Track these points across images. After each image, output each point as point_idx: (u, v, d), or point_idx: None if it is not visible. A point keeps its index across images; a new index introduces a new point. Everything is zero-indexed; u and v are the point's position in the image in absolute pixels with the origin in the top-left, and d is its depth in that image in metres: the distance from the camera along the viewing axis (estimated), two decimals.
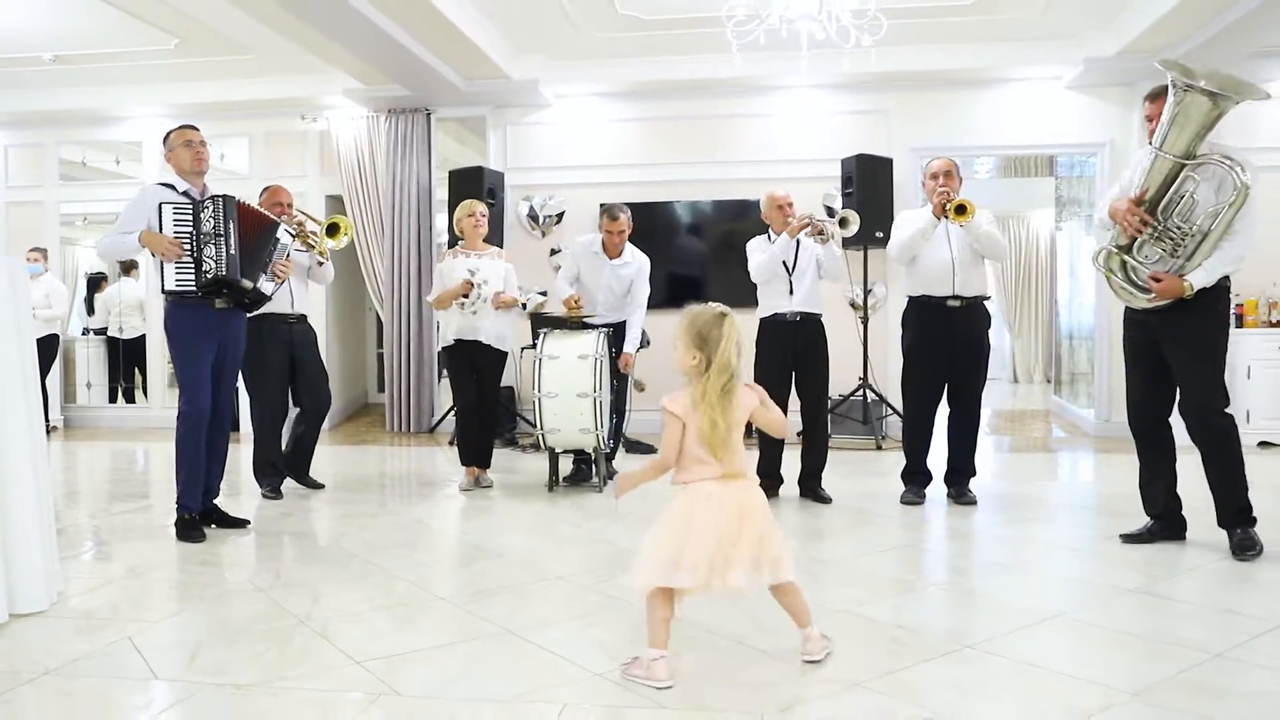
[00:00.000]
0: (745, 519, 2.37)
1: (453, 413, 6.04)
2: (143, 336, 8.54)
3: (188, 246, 3.92)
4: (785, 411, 4.94)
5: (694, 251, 7.87)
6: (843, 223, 4.87)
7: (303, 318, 5.09)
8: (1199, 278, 3.55)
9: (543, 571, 3.48)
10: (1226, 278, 3.63)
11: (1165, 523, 3.84)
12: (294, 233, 4.70)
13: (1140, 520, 3.90)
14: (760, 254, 4.94)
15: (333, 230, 4.93)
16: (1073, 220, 8.89)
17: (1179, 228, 3.58)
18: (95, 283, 8.86)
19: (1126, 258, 3.73)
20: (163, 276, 3.92)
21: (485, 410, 5.32)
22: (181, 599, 3.23)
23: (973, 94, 7.52)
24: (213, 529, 4.15)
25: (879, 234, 7.15)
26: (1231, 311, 3.98)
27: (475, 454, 5.29)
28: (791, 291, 4.91)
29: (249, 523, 4.30)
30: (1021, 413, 9.53)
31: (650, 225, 7.63)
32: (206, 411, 4.08)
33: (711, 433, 2.35)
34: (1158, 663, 2.48)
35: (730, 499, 2.38)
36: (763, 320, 5.01)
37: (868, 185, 7.09)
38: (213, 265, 3.91)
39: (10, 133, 8.59)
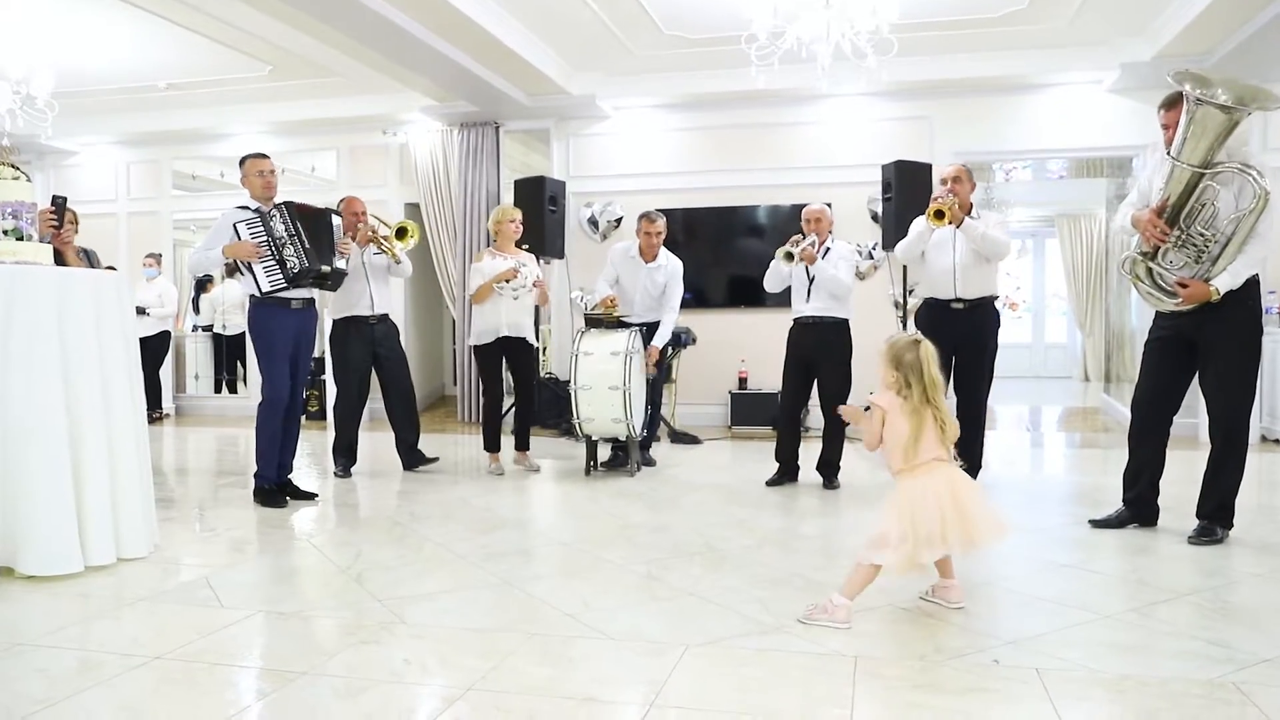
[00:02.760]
0: (954, 496, 2.84)
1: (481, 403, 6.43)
2: (243, 333, 9.45)
3: (267, 251, 4.61)
4: (799, 407, 5.43)
5: (747, 253, 8.30)
6: (789, 256, 5.23)
7: (384, 317, 5.68)
8: (1224, 281, 3.73)
9: (551, 539, 4.04)
10: (1257, 274, 3.81)
11: (1137, 509, 4.11)
12: (372, 234, 5.37)
13: (1172, 514, 4.14)
14: (777, 266, 5.39)
15: (401, 233, 5.62)
16: None
17: (1201, 234, 3.74)
18: (202, 284, 9.83)
19: (1152, 264, 3.92)
20: (256, 282, 4.62)
21: (528, 397, 5.90)
22: (250, 551, 3.90)
23: (1013, 99, 7.75)
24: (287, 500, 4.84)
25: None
26: (1264, 308, 4.10)
27: (499, 441, 5.84)
28: (808, 298, 5.33)
29: (317, 495, 4.97)
30: (1074, 410, 9.64)
31: (702, 229, 8.14)
32: (284, 399, 4.78)
33: (912, 435, 2.88)
34: (1052, 618, 2.87)
35: (937, 483, 2.85)
36: (795, 323, 5.44)
37: (906, 190, 7.39)
38: (296, 262, 4.62)
39: (131, 151, 9.64)
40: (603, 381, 5.52)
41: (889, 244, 7.70)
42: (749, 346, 8.06)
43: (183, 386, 9.71)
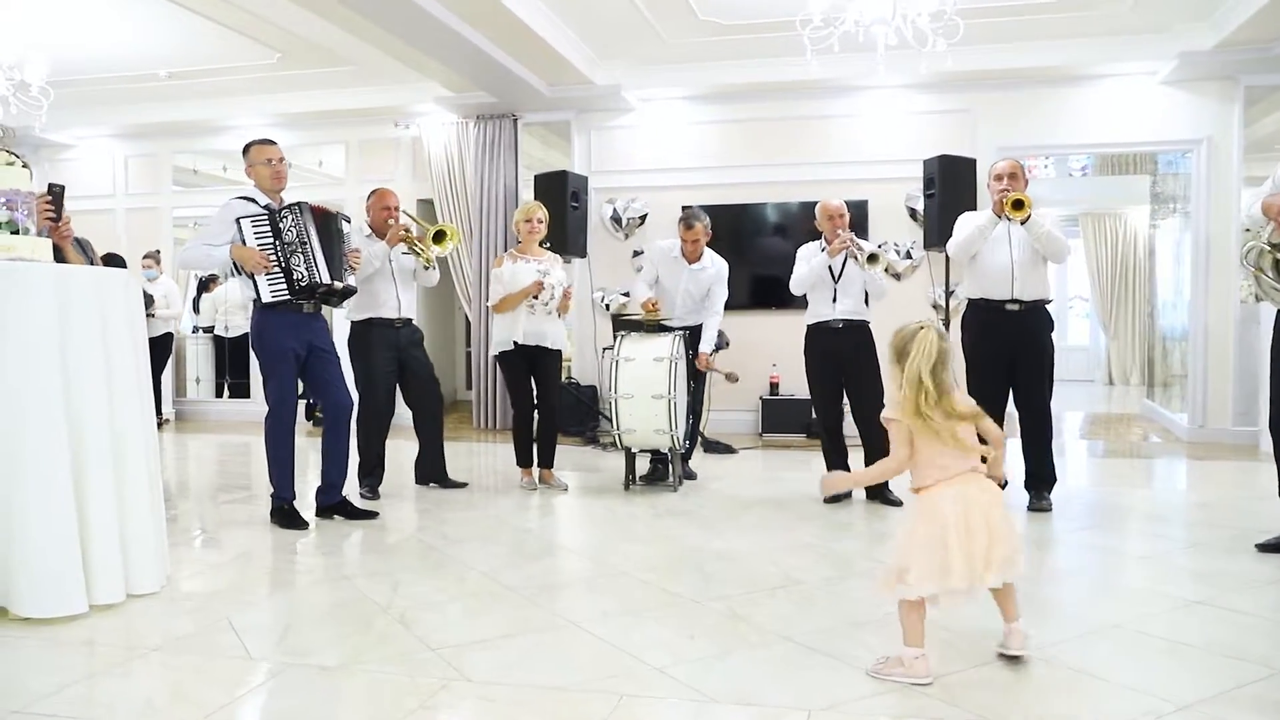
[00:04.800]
0: (982, 519, 2.43)
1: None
2: (246, 335, 9.00)
3: (274, 258, 4.16)
4: (841, 418, 5.03)
5: (776, 252, 7.90)
6: (872, 259, 4.85)
7: (409, 321, 5.14)
8: None
9: (608, 567, 3.62)
10: None
11: None
12: (405, 234, 4.90)
13: (1219, 530, 3.82)
14: (804, 264, 5.01)
15: (439, 238, 5.06)
16: (1170, 218, 8.61)
17: None
18: (204, 284, 9.39)
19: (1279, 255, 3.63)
20: (257, 290, 4.16)
21: (552, 411, 5.45)
22: (274, 584, 3.49)
23: (1061, 91, 7.37)
24: (335, 519, 4.44)
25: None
26: None
27: (532, 455, 5.40)
28: (835, 299, 4.95)
29: (377, 515, 4.55)
30: (1113, 417, 9.28)
31: (733, 227, 7.73)
32: (293, 412, 4.35)
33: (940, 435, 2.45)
34: (1214, 676, 2.47)
35: (964, 498, 2.45)
36: (809, 326, 5.08)
37: (950, 186, 7.02)
38: (304, 273, 4.15)
39: (130, 144, 9.20)
40: (646, 390, 5.11)
41: (931, 243, 7.33)
42: (780, 350, 7.64)
43: (183, 390, 9.27)
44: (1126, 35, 6.87)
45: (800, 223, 7.79)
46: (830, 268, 4.95)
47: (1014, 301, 4.57)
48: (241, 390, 9.11)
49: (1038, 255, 4.58)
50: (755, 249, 7.87)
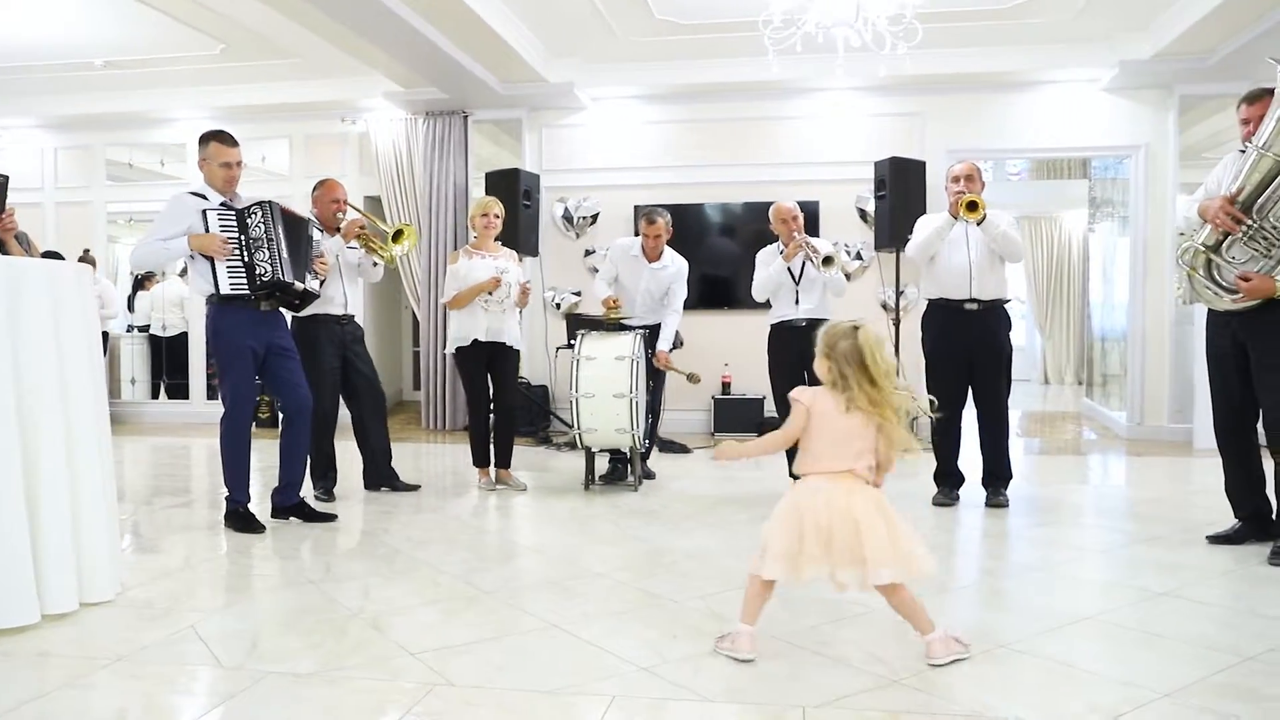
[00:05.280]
0: (845, 516, 2.45)
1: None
2: (184, 334, 8.75)
3: (235, 250, 4.03)
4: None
5: (727, 253, 7.94)
6: (827, 261, 4.91)
7: (352, 318, 5.04)
8: None
9: (581, 568, 3.58)
10: None
11: (1254, 525, 3.87)
12: (360, 230, 4.82)
13: (1170, 524, 3.94)
14: (764, 269, 5.04)
15: (398, 236, 4.99)
16: (1106, 221, 8.86)
17: (1275, 227, 3.59)
18: (140, 282, 9.08)
19: (1214, 256, 3.75)
20: (216, 281, 4.02)
21: (509, 409, 5.39)
22: (237, 590, 3.37)
23: (1008, 96, 7.53)
24: (292, 522, 4.31)
25: (910, 237, 7.19)
26: None
27: (489, 455, 5.33)
28: (798, 301, 5.00)
29: (336, 517, 4.44)
30: (1053, 415, 9.52)
31: (684, 227, 7.71)
32: (250, 412, 4.22)
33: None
34: (1189, 665, 2.53)
35: (837, 496, 2.47)
36: (773, 326, 5.12)
37: (900, 188, 7.12)
38: (267, 269, 4.03)
39: (60, 135, 8.83)
40: (607, 389, 5.07)
41: (882, 243, 7.43)
42: (732, 350, 7.68)
43: (117, 392, 8.93)
44: (1070, 43, 7.04)
45: (751, 224, 7.84)
46: (790, 270, 4.98)
47: (973, 301, 4.65)
48: (180, 391, 8.82)
49: (995, 255, 4.66)
50: (706, 249, 7.88)
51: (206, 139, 4.16)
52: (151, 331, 8.95)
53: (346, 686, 2.40)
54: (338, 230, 4.87)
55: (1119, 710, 2.22)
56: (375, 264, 5.06)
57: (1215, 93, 7.05)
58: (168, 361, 8.89)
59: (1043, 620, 2.91)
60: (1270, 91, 3.62)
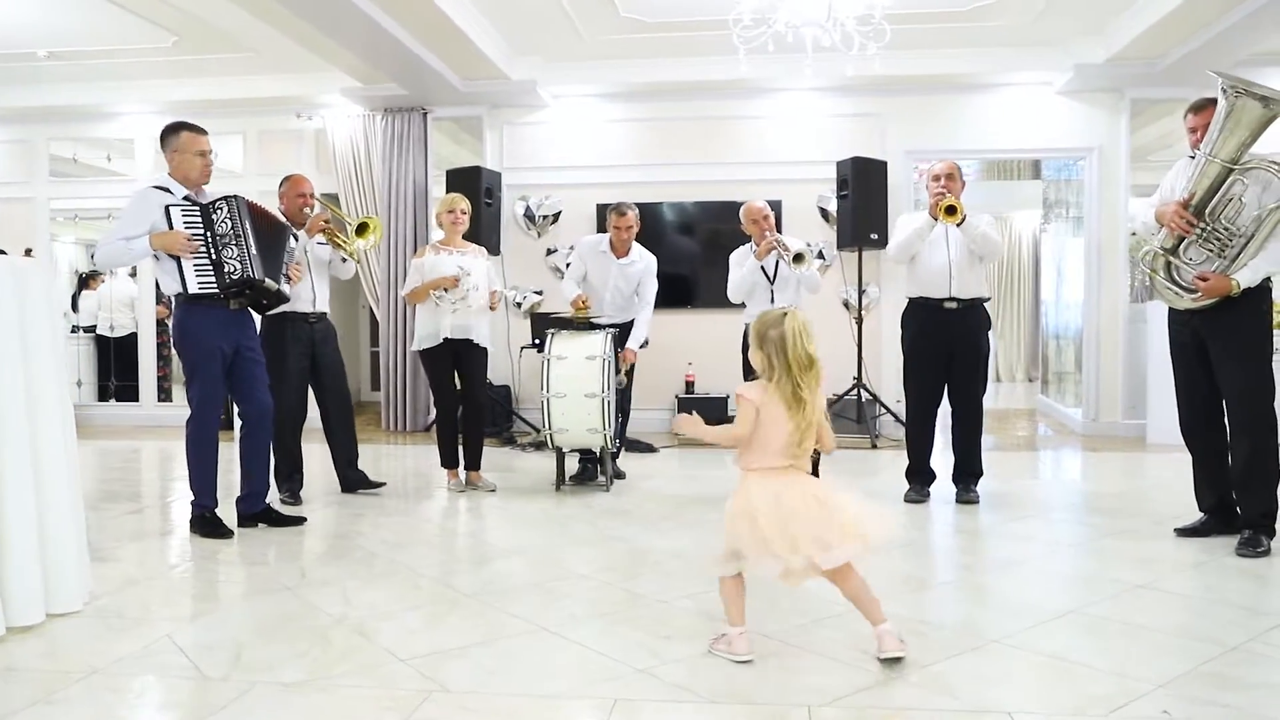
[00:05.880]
0: (799, 505, 2.44)
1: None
2: (133, 335, 8.49)
3: (201, 246, 3.91)
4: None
5: (689, 252, 7.93)
6: (798, 258, 4.96)
7: (323, 316, 4.95)
8: (1244, 277, 3.70)
9: (564, 569, 3.54)
10: (1268, 278, 3.78)
11: (1218, 518, 3.96)
12: (325, 224, 4.74)
13: (1136, 517, 4.02)
14: (738, 270, 5.05)
15: (362, 230, 4.91)
16: (1058, 222, 9.04)
17: (1226, 229, 3.72)
18: (85, 281, 8.80)
19: (1172, 259, 3.86)
20: (183, 279, 3.89)
21: (478, 408, 5.31)
22: (212, 598, 3.27)
23: (966, 98, 7.64)
24: (260, 528, 4.19)
25: (873, 236, 7.27)
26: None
27: (458, 456, 5.25)
28: (773, 300, 5.02)
29: (304, 521, 4.33)
30: (1008, 412, 9.68)
31: (646, 226, 7.65)
32: (218, 414, 4.10)
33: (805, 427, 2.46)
34: (1175, 655, 2.57)
35: (785, 488, 2.47)
36: (748, 326, 5.10)
37: (862, 188, 7.19)
38: (237, 266, 3.91)
39: (0, 128, 8.50)
40: (578, 388, 5.03)
41: (844, 243, 7.49)
42: (695, 349, 7.68)
43: None
44: (1027, 46, 7.17)
45: (713, 223, 7.86)
46: (764, 269, 5.00)
47: (952, 300, 4.70)
48: (129, 393, 8.55)
49: (974, 255, 4.72)
50: (668, 248, 7.84)
51: (175, 130, 4.04)
52: (99, 332, 8.66)
53: (339, 695, 2.33)
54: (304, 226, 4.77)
55: (1116, 702, 2.25)
56: (344, 260, 4.97)
57: (1164, 97, 7.25)
58: (116, 363, 8.61)
59: (1027, 615, 2.94)
60: (1212, 100, 3.78)
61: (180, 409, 8.45)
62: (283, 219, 4.48)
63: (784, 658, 2.59)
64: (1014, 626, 2.82)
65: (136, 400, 8.46)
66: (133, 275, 8.60)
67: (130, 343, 8.49)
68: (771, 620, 2.85)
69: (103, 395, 8.72)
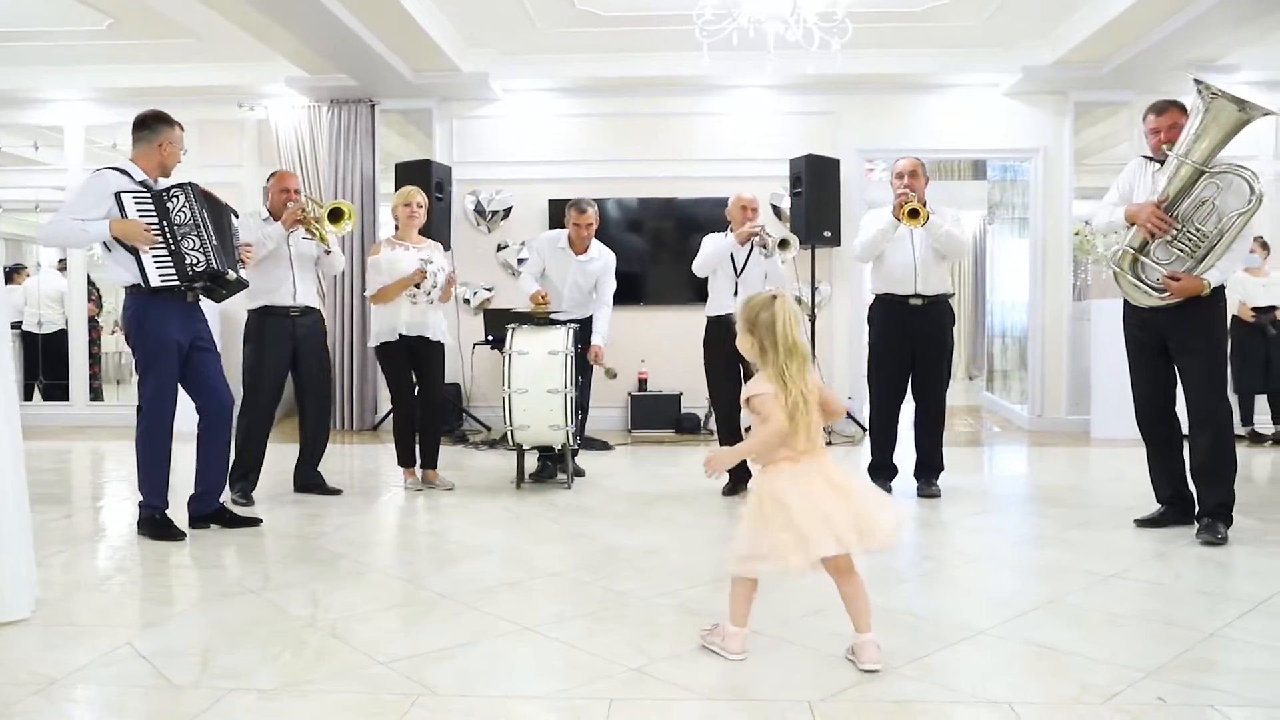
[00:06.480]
0: (834, 490, 2.38)
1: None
2: (63, 331, 8.13)
3: (159, 238, 3.74)
4: (738, 409, 5.05)
5: (640, 249, 7.87)
6: (783, 244, 4.97)
7: (307, 310, 4.79)
8: (1214, 276, 3.80)
9: (537, 568, 3.45)
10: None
11: (1176, 508, 4.04)
12: (302, 215, 4.63)
13: (1093, 509, 4.10)
14: (711, 244, 5.02)
15: (335, 216, 4.77)
16: (1003, 223, 9.21)
17: (1198, 230, 3.78)
18: (9, 274, 8.39)
19: (1140, 257, 3.92)
20: (143, 272, 3.71)
21: (436, 406, 5.20)
22: (169, 602, 3.11)
23: (917, 98, 7.72)
24: (212, 529, 4.02)
25: (826, 233, 7.30)
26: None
27: (415, 454, 5.12)
28: (736, 293, 4.99)
29: (260, 521, 4.16)
30: (954, 408, 9.80)
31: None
32: (171, 411, 3.91)
33: (796, 412, 2.38)
34: (1158, 642, 2.60)
35: (814, 474, 2.40)
36: (709, 319, 5.09)
37: (816, 185, 7.22)
38: (200, 258, 3.75)
39: None
40: (540, 384, 4.95)
41: (800, 240, 7.50)
42: (648, 346, 7.63)
43: None
44: (977, 48, 7.27)
45: (666, 218, 7.82)
46: (734, 260, 4.95)
47: (917, 296, 4.73)
48: (59, 392, 8.18)
49: (938, 252, 4.75)
50: (620, 245, 7.74)
51: (166, 121, 3.90)
52: (25, 328, 8.26)
53: (320, 701, 2.22)
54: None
55: (1113, 690, 2.26)
56: (328, 252, 4.85)
57: (1106, 100, 7.44)
58: (45, 361, 8.23)
59: (1008, 606, 2.95)
60: (1174, 103, 3.91)
61: (113, 408, 8.20)
62: (218, 196, 4.25)
63: (779, 653, 2.55)
64: (999, 617, 2.83)
65: (67, 400, 8.09)
66: (61, 269, 8.24)
67: (60, 340, 8.12)
68: (763, 614, 2.80)
69: (29, 395, 8.32)
